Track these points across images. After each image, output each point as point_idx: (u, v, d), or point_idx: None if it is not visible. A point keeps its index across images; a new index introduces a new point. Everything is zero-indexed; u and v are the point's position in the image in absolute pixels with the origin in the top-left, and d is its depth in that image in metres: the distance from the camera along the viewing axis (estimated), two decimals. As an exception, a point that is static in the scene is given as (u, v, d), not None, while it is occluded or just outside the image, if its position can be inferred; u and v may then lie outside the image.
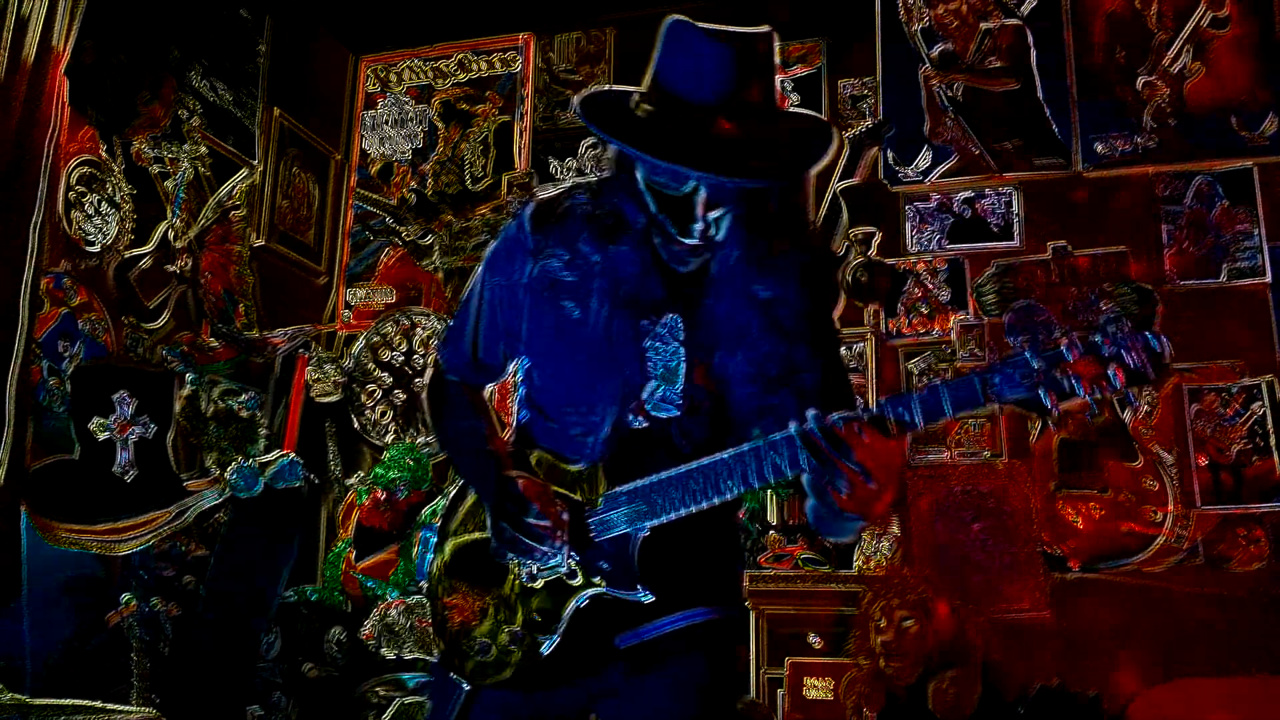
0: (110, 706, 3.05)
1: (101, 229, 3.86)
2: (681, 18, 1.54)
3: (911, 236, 4.41)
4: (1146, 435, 3.95)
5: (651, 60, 1.55)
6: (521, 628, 1.61)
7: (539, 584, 1.61)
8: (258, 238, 4.69)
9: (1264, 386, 3.84)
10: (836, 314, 1.76)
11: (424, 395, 1.90)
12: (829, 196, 4.54)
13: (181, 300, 4.24)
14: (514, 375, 1.79)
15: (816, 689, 3.80)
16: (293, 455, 4.11)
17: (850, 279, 4.42)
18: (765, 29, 1.51)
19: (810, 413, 1.33)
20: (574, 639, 1.58)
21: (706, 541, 1.64)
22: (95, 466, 3.70)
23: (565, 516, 1.56)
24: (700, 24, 1.51)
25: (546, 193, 1.72)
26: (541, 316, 1.66)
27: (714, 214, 1.51)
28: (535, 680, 1.60)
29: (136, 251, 4.05)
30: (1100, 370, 1.20)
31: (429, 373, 1.82)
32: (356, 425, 4.86)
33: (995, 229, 4.32)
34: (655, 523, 1.53)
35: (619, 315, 1.59)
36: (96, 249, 3.85)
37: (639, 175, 1.55)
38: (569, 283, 1.62)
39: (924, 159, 4.42)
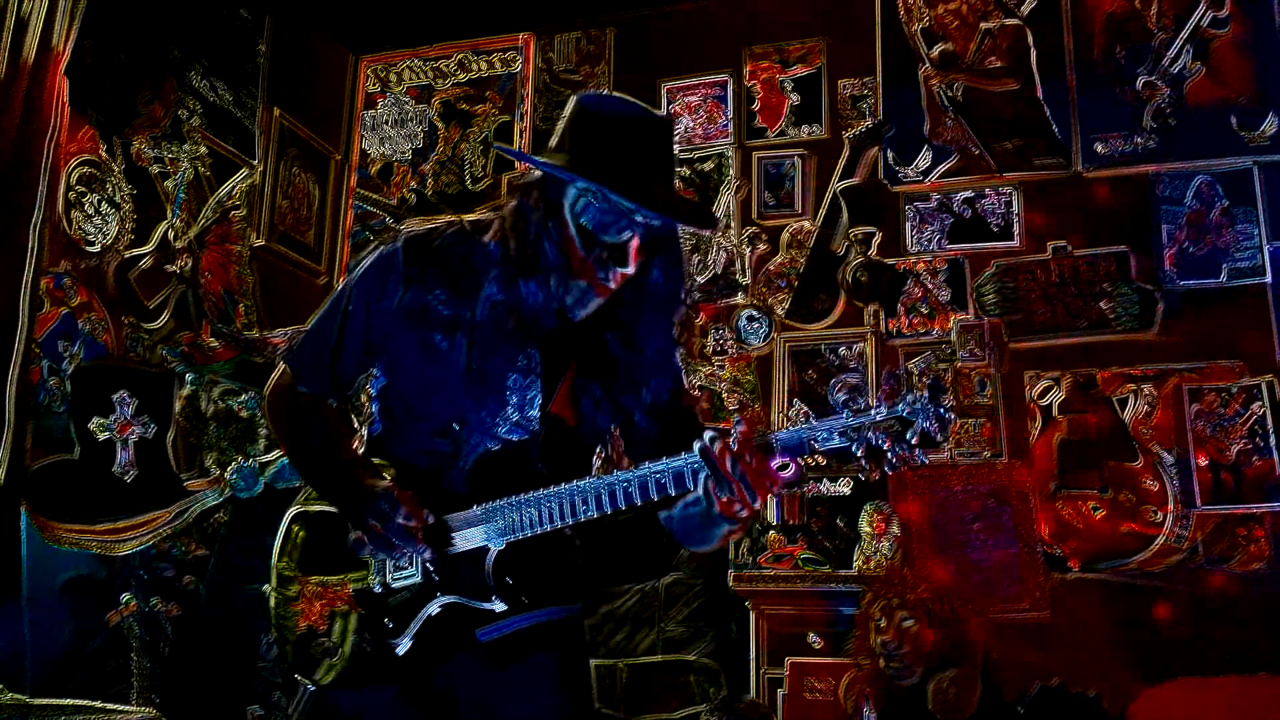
0: (110, 706, 3.04)
1: (101, 229, 3.86)
2: (594, 94, 1.76)
3: (911, 236, 4.41)
4: (1146, 435, 3.95)
5: (563, 120, 1.71)
6: (371, 633, 1.66)
7: (393, 589, 1.66)
8: (258, 238, 4.68)
9: (1264, 386, 3.84)
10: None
11: (267, 402, 1.92)
12: (829, 196, 4.55)
13: (181, 300, 4.23)
14: (368, 390, 1.86)
15: (816, 689, 3.80)
16: (293, 455, 4.11)
17: (850, 279, 4.43)
18: (667, 115, 1.72)
19: (707, 434, 1.50)
20: (424, 642, 1.64)
21: (552, 549, 1.73)
22: (95, 466, 3.70)
23: (430, 521, 1.63)
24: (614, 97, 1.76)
25: (419, 227, 1.80)
26: (407, 340, 1.73)
27: (637, 264, 1.68)
28: (381, 679, 1.66)
29: (136, 251, 4.04)
30: (901, 432, 1.42)
31: (272, 378, 1.86)
32: (356, 425, 4.85)
33: (995, 229, 4.32)
34: (511, 539, 1.62)
35: (501, 344, 1.70)
36: (96, 249, 3.85)
37: (569, 219, 1.65)
38: (443, 316, 1.71)
39: (924, 159, 4.42)
